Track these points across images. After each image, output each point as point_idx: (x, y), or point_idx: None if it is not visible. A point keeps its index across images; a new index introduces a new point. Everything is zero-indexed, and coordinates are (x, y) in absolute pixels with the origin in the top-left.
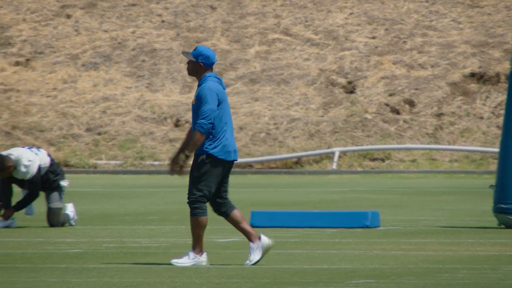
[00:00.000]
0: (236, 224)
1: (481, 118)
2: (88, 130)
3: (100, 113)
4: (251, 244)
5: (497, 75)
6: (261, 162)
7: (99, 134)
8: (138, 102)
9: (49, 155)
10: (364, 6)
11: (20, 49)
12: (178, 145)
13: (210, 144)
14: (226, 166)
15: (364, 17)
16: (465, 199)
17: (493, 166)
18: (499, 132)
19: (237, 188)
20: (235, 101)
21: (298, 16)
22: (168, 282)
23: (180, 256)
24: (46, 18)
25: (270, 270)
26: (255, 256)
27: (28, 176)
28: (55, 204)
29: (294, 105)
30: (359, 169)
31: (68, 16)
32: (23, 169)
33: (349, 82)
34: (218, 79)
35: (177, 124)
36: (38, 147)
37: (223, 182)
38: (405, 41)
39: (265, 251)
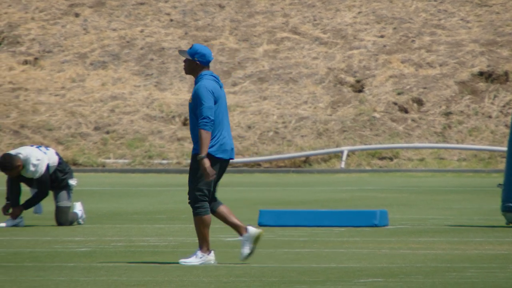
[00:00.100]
0: (224, 219)
1: (490, 117)
2: (96, 129)
3: (109, 112)
4: (240, 238)
5: (506, 74)
6: (270, 161)
7: (107, 133)
8: (146, 101)
9: (57, 154)
10: (372, 5)
11: (28, 48)
12: (186, 144)
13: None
14: (223, 164)
15: (373, 16)
16: (473, 198)
17: (501, 165)
18: (507, 131)
19: (245, 187)
20: (243, 99)
21: (307, 15)
22: (177, 281)
23: (188, 255)
24: (54, 17)
25: (278, 269)
26: (246, 249)
27: (37, 175)
28: (64, 203)
29: (303, 103)
30: (367, 168)
31: (77, 15)
32: (31, 168)
33: (358, 81)
34: (215, 77)
35: (185, 123)
36: (47, 146)
37: (216, 181)
38: (413, 40)
39: (255, 240)
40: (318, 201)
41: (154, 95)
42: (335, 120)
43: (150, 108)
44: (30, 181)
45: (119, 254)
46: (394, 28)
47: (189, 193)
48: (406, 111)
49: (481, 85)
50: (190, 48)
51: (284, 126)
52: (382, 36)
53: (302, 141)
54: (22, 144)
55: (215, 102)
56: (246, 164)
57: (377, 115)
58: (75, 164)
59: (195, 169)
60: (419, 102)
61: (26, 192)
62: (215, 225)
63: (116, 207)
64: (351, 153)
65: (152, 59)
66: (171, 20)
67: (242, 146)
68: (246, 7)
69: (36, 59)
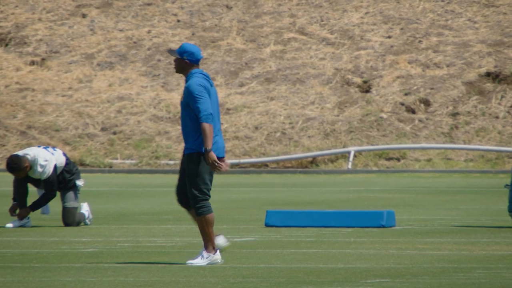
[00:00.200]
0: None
1: (497, 117)
2: (103, 129)
3: (116, 112)
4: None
5: None
6: (277, 162)
7: (114, 133)
8: (153, 102)
9: (64, 154)
10: (379, 6)
11: (35, 49)
12: None
13: (201, 143)
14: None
15: (380, 17)
16: (480, 198)
17: (509, 165)
18: None
19: (252, 187)
20: (250, 100)
21: (314, 16)
22: (183, 282)
23: (194, 256)
24: (61, 17)
25: (286, 270)
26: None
27: (45, 176)
28: (71, 204)
29: (310, 104)
30: (374, 168)
31: (84, 16)
32: (39, 169)
33: (365, 82)
34: (205, 75)
35: None
36: (54, 147)
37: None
38: (420, 41)
39: (220, 248)
40: (325, 201)
41: (161, 96)
42: (342, 121)
43: (157, 109)
44: (37, 182)
45: (126, 255)
46: (401, 29)
47: (189, 194)
48: (413, 112)
49: (488, 85)
50: (179, 47)
51: (291, 126)
52: (389, 37)
53: (309, 141)
54: (29, 145)
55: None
56: (253, 164)
57: (384, 115)
58: (82, 164)
59: (191, 169)
60: (426, 103)
61: (33, 192)
62: (222, 226)
63: (123, 208)
64: (358, 153)
65: (159, 60)
66: (178, 20)
67: (249, 146)
68: (253, 8)
69: (43, 59)
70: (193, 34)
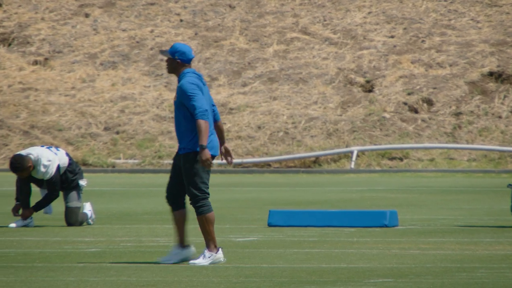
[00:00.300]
0: (178, 223)
1: (500, 117)
2: (106, 129)
3: (118, 112)
4: (176, 246)
5: None
6: (279, 161)
7: (117, 133)
8: (156, 101)
9: (67, 154)
10: (382, 5)
11: (38, 48)
12: None
13: (197, 141)
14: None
15: (383, 16)
16: (483, 198)
17: (511, 165)
18: None
19: (255, 187)
20: (253, 100)
21: (317, 15)
22: (186, 281)
23: (197, 256)
24: (64, 17)
25: (288, 269)
26: (170, 259)
27: (47, 176)
28: (73, 203)
29: (313, 104)
30: (377, 168)
31: (87, 15)
32: (42, 169)
33: (368, 81)
34: (197, 74)
35: None
36: (57, 147)
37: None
38: (423, 40)
39: (183, 259)
40: (328, 201)
41: (164, 95)
42: (345, 120)
43: (160, 109)
44: (40, 182)
45: (128, 255)
46: (404, 28)
47: (188, 194)
48: (416, 111)
49: (491, 85)
50: (171, 47)
51: (294, 126)
52: (392, 36)
53: (312, 141)
54: (32, 145)
55: None
56: (256, 164)
57: (387, 115)
58: (85, 164)
59: (188, 169)
60: (429, 102)
61: (35, 192)
62: (224, 225)
63: (126, 208)
64: (361, 153)
65: (162, 60)
66: (181, 20)
67: (252, 146)
68: (256, 8)
69: (46, 59)
70: (196, 33)
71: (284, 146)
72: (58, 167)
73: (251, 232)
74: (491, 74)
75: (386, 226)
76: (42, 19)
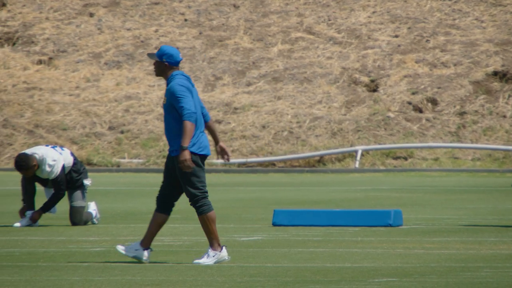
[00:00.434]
0: (155, 224)
1: (504, 116)
2: (110, 128)
3: (123, 111)
4: (137, 244)
5: None
6: (284, 161)
7: (121, 132)
8: (160, 101)
9: (72, 154)
10: (387, 5)
11: (43, 48)
12: None
13: (188, 142)
14: (204, 160)
15: (387, 16)
16: (487, 197)
17: None
18: None
19: (259, 186)
20: (258, 99)
21: (321, 15)
22: (191, 281)
23: (201, 255)
24: (69, 16)
25: (293, 269)
26: (128, 254)
27: (53, 176)
28: (78, 203)
29: (317, 103)
30: (381, 167)
31: (91, 15)
32: (47, 168)
33: (372, 81)
34: (186, 76)
35: None
36: (62, 146)
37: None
38: (428, 40)
39: (136, 259)
40: (332, 200)
41: None
42: (350, 120)
43: None
44: (44, 181)
45: None
46: (409, 28)
47: (187, 195)
48: (420, 111)
49: (496, 84)
50: (158, 50)
51: (299, 125)
52: (396, 36)
53: (316, 140)
54: (36, 144)
55: None
56: (260, 163)
57: (391, 114)
58: (89, 164)
59: (183, 172)
60: (434, 102)
61: (40, 192)
62: (229, 225)
63: (130, 207)
64: (366, 152)
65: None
66: (186, 20)
67: (257, 146)
68: (261, 7)
69: (50, 58)
70: (200, 33)
71: (289, 145)
72: (63, 167)
73: (256, 232)
74: (495, 73)
75: (390, 225)
76: (47, 18)
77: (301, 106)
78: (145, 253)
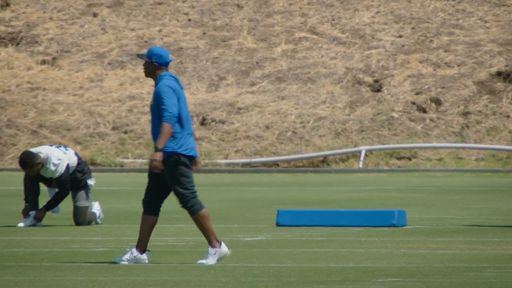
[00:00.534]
0: (146, 226)
1: (508, 116)
2: (114, 128)
3: (127, 111)
4: (134, 250)
5: None
6: (288, 161)
7: (125, 132)
8: None
9: (76, 154)
10: (390, 5)
11: (46, 48)
12: (204, 143)
13: (177, 144)
14: (191, 161)
15: (391, 16)
16: (491, 197)
17: None
18: None
19: (263, 186)
20: (261, 99)
21: (325, 15)
22: (195, 281)
23: (204, 255)
24: (72, 16)
25: (296, 269)
26: (124, 258)
27: (57, 175)
28: (82, 203)
29: (321, 103)
30: (385, 167)
31: (95, 15)
32: (52, 167)
33: (376, 81)
34: (174, 77)
35: (203, 123)
36: (66, 146)
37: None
38: (431, 40)
39: (133, 262)
40: (336, 201)
41: None
42: (353, 120)
43: None
44: (48, 181)
45: None
46: (412, 28)
47: (177, 197)
48: (424, 111)
49: (499, 85)
50: (148, 50)
51: (302, 126)
52: (400, 36)
53: (320, 141)
54: (40, 144)
55: (177, 100)
56: (264, 164)
57: (395, 114)
58: (93, 164)
59: (172, 173)
60: (437, 102)
61: (44, 192)
62: (232, 225)
63: (134, 207)
64: (369, 153)
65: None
66: (189, 20)
67: (260, 146)
68: (264, 7)
69: (54, 59)
70: (204, 33)
71: (292, 145)
72: (68, 166)
73: (259, 232)
74: (499, 73)
75: (394, 225)
76: (50, 18)
77: (305, 106)
78: (144, 256)
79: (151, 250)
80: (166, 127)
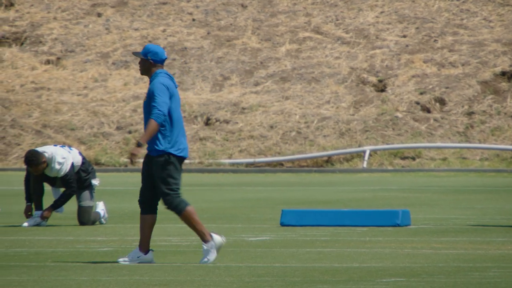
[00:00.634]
0: (146, 226)
1: None
2: (118, 128)
3: (131, 111)
4: (138, 250)
5: None
6: (292, 161)
7: (129, 132)
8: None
9: (80, 153)
10: (395, 5)
11: (51, 48)
12: (208, 143)
13: (168, 143)
14: (181, 162)
15: (395, 16)
16: (495, 197)
17: None
18: None
19: (267, 186)
20: (265, 99)
21: (329, 15)
22: (199, 281)
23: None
24: (77, 16)
25: (301, 269)
26: (128, 259)
27: (62, 173)
28: (86, 203)
29: (325, 103)
30: (389, 167)
31: (99, 15)
32: (57, 166)
33: (380, 81)
34: (169, 75)
35: (207, 123)
36: (70, 146)
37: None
38: (435, 40)
39: (140, 261)
40: (340, 200)
41: None
42: (358, 120)
43: None
44: (53, 181)
45: None
46: (417, 28)
47: (162, 196)
48: (428, 111)
49: (504, 84)
50: (143, 48)
51: (307, 126)
52: (404, 36)
53: (324, 140)
54: (44, 144)
55: (170, 98)
56: (268, 163)
57: (399, 114)
58: (97, 163)
59: (160, 172)
60: (442, 102)
61: (48, 192)
62: (236, 225)
63: (138, 207)
64: (374, 152)
65: (174, 59)
66: (194, 19)
67: (265, 146)
68: (269, 7)
69: (58, 58)
70: (208, 33)
71: (297, 145)
72: (72, 165)
73: (264, 232)
74: (503, 73)
75: (398, 225)
76: (55, 18)
77: (309, 106)
78: (148, 256)
79: (155, 250)
80: (153, 124)
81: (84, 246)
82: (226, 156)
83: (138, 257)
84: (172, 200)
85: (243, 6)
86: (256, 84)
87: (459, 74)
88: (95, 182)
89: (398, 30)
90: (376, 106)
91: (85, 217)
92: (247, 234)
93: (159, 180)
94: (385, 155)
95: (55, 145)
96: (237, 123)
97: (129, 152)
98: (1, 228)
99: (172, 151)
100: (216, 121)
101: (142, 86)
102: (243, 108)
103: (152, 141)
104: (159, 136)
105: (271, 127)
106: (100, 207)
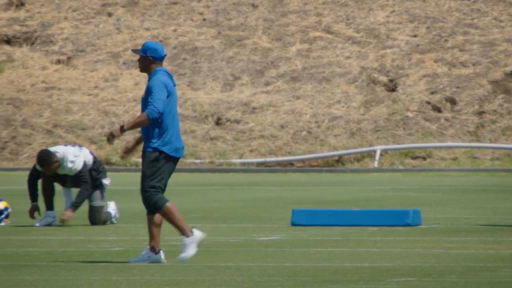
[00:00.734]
0: (154, 225)
1: None
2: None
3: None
4: (149, 251)
5: None
6: (303, 160)
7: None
8: (179, 101)
9: (91, 153)
10: (405, 4)
11: (61, 47)
12: (219, 143)
13: (162, 141)
14: (176, 162)
15: (406, 15)
16: (506, 197)
17: None
18: None
19: (278, 186)
20: (276, 99)
21: (340, 14)
22: (209, 280)
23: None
24: (87, 16)
25: (312, 268)
26: (139, 258)
27: (75, 171)
28: (97, 202)
29: (336, 103)
30: (400, 167)
31: (110, 14)
32: (69, 164)
33: (391, 80)
34: (168, 73)
35: (218, 123)
36: (80, 145)
37: (167, 179)
38: (446, 39)
39: (151, 261)
40: (351, 200)
41: (187, 95)
42: (368, 120)
43: (183, 108)
44: (63, 180)
45: None
46: (427, 28)
47: (142, 192)
48: (439, 111)
49: None
50: (143, 45)
51: (317, 125)
52: (415, 36)
53: (335, 140)
54: (55, 144)
55: (168, 96)
56: (279, 163)
57: (410, 114)
58: (108, 163)
59: (147, 167)
60: (452, 102)
61: (58, 191)
62: (248, 224)
63: None
64: (384, 152)
65: (185, 59)
66: (204, 19)
67: (275, 145)
68: (279, 7)
69: (69, 58)
70: (219, 33)
71: (307, 145)
72: (84, 163)
73: (274, 231)
74: None
75: (409, 225)
76: (65, 18)
77: (320, 106)
78: (159, 256)
79: (166, 250)
80: (143, 117)
81: (95, 245)
82: (237, 156)
83: (149, 256)
84: (152, 197)
85: (254, 6)
86: (267, 83)
87: (470, 73)
88: (106, 181)
89: (408, 30)
90: (386, 106)
91: (96, 217)
92: (258, 233)
93: (144, 175)
94: (395, 155)
95: (65, 145)
96: (247, 122)
97: (109, 130)
98: (12, 227)
99: (164, 149)
100: (227, 121)
101: None
102: (254, 108)
103: (147, 139)
104: (154, 134)
105: (282, 126)
106: (111, 207)
